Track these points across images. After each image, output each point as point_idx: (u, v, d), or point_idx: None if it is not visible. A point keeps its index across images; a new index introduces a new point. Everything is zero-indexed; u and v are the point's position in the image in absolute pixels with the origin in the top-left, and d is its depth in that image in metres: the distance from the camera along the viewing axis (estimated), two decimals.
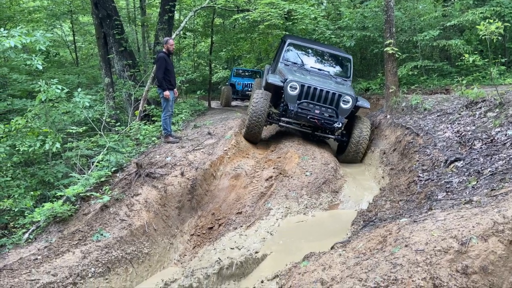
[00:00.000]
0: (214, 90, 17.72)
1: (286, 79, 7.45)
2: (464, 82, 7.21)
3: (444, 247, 2.49)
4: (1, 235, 5.94)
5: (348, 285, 2.47)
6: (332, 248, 3.34)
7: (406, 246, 2.64)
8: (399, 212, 4.17)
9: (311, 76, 7.85)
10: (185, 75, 12.24)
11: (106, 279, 4.45)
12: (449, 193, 4.03)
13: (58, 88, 7.11)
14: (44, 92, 7.04)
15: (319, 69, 8.46)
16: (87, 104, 7.84)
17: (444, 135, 5.54)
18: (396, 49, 7.55)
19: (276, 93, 7.85)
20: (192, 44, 17.00)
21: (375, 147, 7.24)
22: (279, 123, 7.86)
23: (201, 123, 9.54)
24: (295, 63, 8.54)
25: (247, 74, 16.50)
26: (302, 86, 7.30)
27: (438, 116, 6.30)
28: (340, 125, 7.28)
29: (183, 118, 10.02)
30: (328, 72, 8.39)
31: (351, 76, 8.60)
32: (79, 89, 7.96)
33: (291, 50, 8.80)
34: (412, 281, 2.34)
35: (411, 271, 2.40)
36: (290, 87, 7.34)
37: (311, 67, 8.48)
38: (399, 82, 8.21)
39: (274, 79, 7.66)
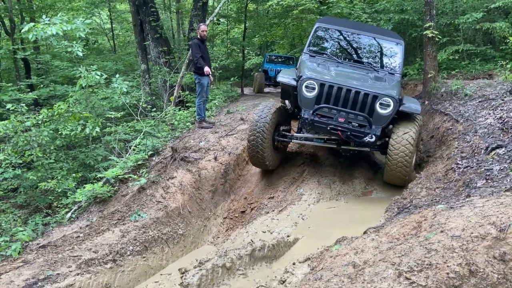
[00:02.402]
0: (246, 76, 17.75)
1: (301, 76, 5.53)
2: (509, 66, 6.86)
3: (482, 234, 2.42)
4: (46, 214, 6.29)
5: (380, 269, 2.46)
6: (364, 233, 3.32)
7: (441, 231, 2.59)
8: (435, 199, 4.08)
9: (340, 71, 5.87)
10: (218, 62, 12.33)
11: (144, 257, 4.64)
12: (489, 181, 3.89)
13: (98, 75, 7.35)
14: (84, 78, 7.30)
15: (355, 60, 6.31)
16: (125, 90, 8.07)
17: (485, 122, 5.32)
18: (436, 32, 7.26)
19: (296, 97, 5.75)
20: (225, 30, 17.04)
21: None
22: (292, 140, 5.98)
23: (234, 109, 9.62)
24: (323, 53, 6.41)
25: (280, 60, 16.38)
26: (322, 85, 5.34)
27: (479, 102, 6.05)
28: (373, 139, 5.23)
29: (217, 104, 10.13)
30: (369, 63, 6.22)
31: (402, 67, 6.26)
32: (117, 76, 8.20)
33: (320, 36, 6.77)
34: (447, 266, 2.30)
35: (446, 257, 2.36)
36: (306, 87, 5.40)
37: (344, 57, 6.39)
38: (438, 67, 7.91)
39: (286, 77, 5.83)
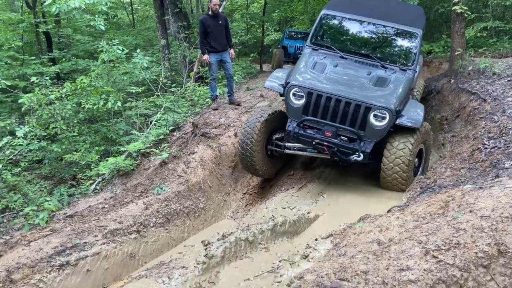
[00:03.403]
0: (265, 53, 17.54)
1: (288, 82, 5.00)
2: None
3: None
4: (70, 185, 6.46)
5: (407, 246, 2.46)
6: (389, 211, 3.31)
7: (470, 211, 2.56)
8: (460, 179, 4.02)
9: (338, 71, 5.13)
10: (238, 37, 12.20)
11: (166, 229, 4.74)
12: None
13: (119, 49, 7.37)
14: (106, 53, 7.33)
15: (363, 54, 5.50)
16: (145, 65, 8.10)
17: None
18: (465, 8, 6.99)
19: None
20: (245, 5, 16.77)
21: (435, 113, 6.90)
22: (285, 151, 5.33)
23: (254, 86, 9.56)
24: (327, 46, 5.62)
25: (299, 36, 16.08)
26: (310, 93, 4.78)
27: (508, 81, 5.86)
28: (361, 157, 4.66)
29: (236, 80, 10.08)
30: (378, 57, 5.40)
31: (418, 59, 5.42)
32: (138, 50, 8.21)
33: (326, 26, 5.98)
34: (476, 245, 2.28)
35: (475, 236, 2.34)
36: (293, 94, 4.87)
37: (351, 50, 5.59)
38: (466, 44, 7.65)
39: (273, 82, 5.28)
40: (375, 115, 4.62)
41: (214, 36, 6.98)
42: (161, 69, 9.71)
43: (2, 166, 5.90)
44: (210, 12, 7.03)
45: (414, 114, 4.79)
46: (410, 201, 3.92)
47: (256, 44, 16.57)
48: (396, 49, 5.73)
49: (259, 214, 5.11)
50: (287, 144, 5.33)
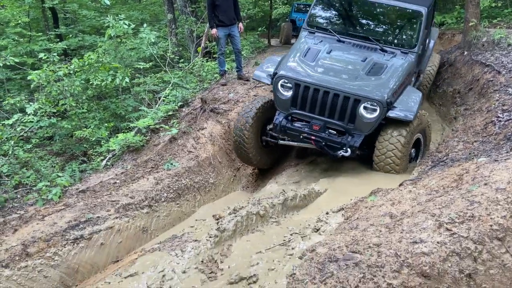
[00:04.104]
0: (273, 27, 17.22)
1: (276, 72, 4.81)
2: None
3: None
4: (81, 161, 6.52)
5: (420, 219, 2.45)
6: (400, 185, 3.29)
7: (485, 184, 2.52)
8: (473, 152, 3.96)
9: (331, 58, 4.81)
10: (245, 11, 11.96)
11: (177, 204, 4.80)
12: None
13: (126, 24, 7.28)
14: (113, 28, 7.25)
15: (361, 37, 5.14)
16: (152, 40, 8.01)
17: None
18: None
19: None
20: None
21: (447, 87, 6.77)
22: (279, 142, 4.99)
23: (262, 61, 9.42)
24: (324, 29, 5.32)
25: (308, 9, 15.74)
26: (297, 85, 4.58)
27: None
28: (348, 153, 4.44)
29: (244, 55, 9.94)
30: (377, 39, 5.05)
31: (420, 41, 5.04)
32: (145, 25, 8.10)
33: (323, 6, 5.64)
34: (491, 218, 2.26)
35: (490, 209, 2.32)
36: (282, 86, 4.68)
37: (348, 34, 5.22)
38: (480, 15, 7.42)
39: (261, 72, 5.09)
40: (365, 107, 4.37)
41: (222, 9, 6.84)
42: (168, 45, 9.60)
43: (14, 142, 5.95)
44: None
45: (407, 105, 4.49)
46: (422, 174, 3.88)
47: (264, 18, 16.25)
48: (397, 30, 5.38)
49: (269, 188, 5.13)
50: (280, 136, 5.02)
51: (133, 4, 16.39)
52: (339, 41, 5.14)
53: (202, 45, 9.67)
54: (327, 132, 4.58)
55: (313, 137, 4.56)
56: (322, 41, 5.16)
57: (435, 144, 5.36)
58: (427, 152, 5.04)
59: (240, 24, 7.20)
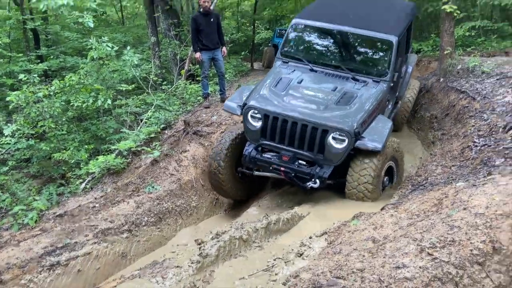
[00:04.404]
0: (256, 51, 17.52)
1: (246, 103, 4.76)
2: None
3: (506, 212, 2.41)
4: (59, 184, 6.36)
5: (402, 244, 2.47)
6: (382, 209, 3.33)
7: (464, 209, 2.58)
8: (451, 177, 4.05)
9: (302, 88, 4.82)
10: (229, 35, 12.15)
11: (158, 228, 4.71)
12: (508, 159, 3.85)
13: (109, 46, 7.28)
14: (95, 50, 7.23)
15: (333, 66, 5.16)
16: (136, 63, 8.02)
17: (503, 100, 5.23)
18: (454, 7, 7.06)
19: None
20: (236, 3, 16.71)
21: (425, 112, 6.96)
22: (254, 173, 4.91)
23: (245, 84, 9.52)
24: (297, 58, 5.32)
25: None
26: (266, 116, 4.53)
27: (497, 79, 5.93)
28: (317, 184, 4.40)
29: (227, 78, 10.04)
30: (349, 68, 5.07)
31: (391, 70, 5.01)
32: (128, 48, 8.11)
33: (296, 36, 5.64)
34: (471, 243, 2.30)
35: (470, 234, 2.36)
36: (252, 117, 4.64)
37: (321, 63, 5.25)
38: (455, 43, 7.74)
39: (232, 103, 5.02)
40: (333, 138, 4.35)
41: (206, 34, 6.87)
42: (151, 67, 9.62)
43: None
44: (201, 10, 6.92)
45: (376, 135, 4.47)
46: (402, 198, 3.94)
47: (247, 42, 16.54)
48: (369, 59, 5.38)
49: (250, 212, 5.10)
50: (255, 170, 4.93)
51: (117, 27, 16.44)
52: (311, 70, 5.15)
53: (186, 67, 9.73)
54: (296, 163, 4.53)
55: (282, 168, 4.52)
56: (294, 70, 5.18)
57: (414, 168, 5.46)
58: (401, 178, 5.06)
59: (224, 48, 7.26)
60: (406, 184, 4.78)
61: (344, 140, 4.33)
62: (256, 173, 4.90)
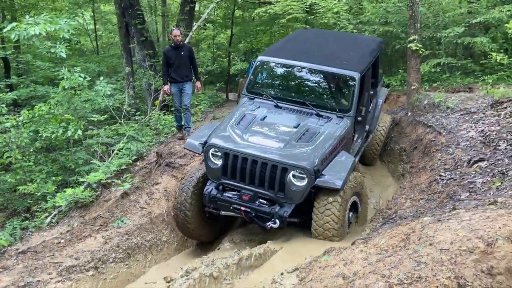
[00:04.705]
0: (231, 82, 17.75)
1: (206, 141, 4.75)
2: (490, 81, 7.06)
3: (470, 247, 2.47)
4: (24, 218, 6.12)
5: (371, 281, 2.48)
6: (353, 244, 3.34)
7: (430, 244, 2.62)
8: (420, 210, 4.15)
9: (264, 125, 4.89)
10: (204, 67, 12.30)
11: (126, 264, 4.56)
12: (472, 193, 3.98)
13: (81, 76, 7.24)
14: (67, 80, 7.17)
15: (298, 102, 5.23)
16: (108, 93, 7.96)
17: (467, 135, 5.45)
18: (420, 45, 7.42)
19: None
20: (212, 36, 17.01)
21: (394, 145, 7.16)
22: (221, 212, 4.79)
23: (220, 115, 9.58)
24: (262, 94, 5.40)
25: None
26: (226, 154, 4.53)
27: (461, 115, 6.20)
28: (277, 224, 4.32)
29: (202, 109, 10.08)
30: (313, 104, 5.14)
31: (354, 105, 5.11)
32: (101, 78, 8.08)
33: (262, 74, 5.76)
34: (437, 279, 2.33)
35: (436, 270, 2.39)
36: (212, 155, 4.62)
37: (286, 99, 5.32)
38: (421, 79, 8.08)
39: (193, 141, 4.96)
40: (293, 176, 4.31)
41: (176, 67, 6.82)
42: (125, 97, 9.57)
43: None
44: (172, 44, 6.90)
45: (337, 172, 4.44)
46: (373, 232, 3.98)
47: (222, 74, 16.75)
48: (333, 95, 5.45)
49: (223, 246, 5.02)
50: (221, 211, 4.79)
51: (91, 56, 16.39)
52: (276, 106, 5.19)
53: (160, 98, 9.72)
54: (257, 202, 4.47)
55: (243, 208, 4.45)
56: (259, 107, 5.22)
57: (385, 201, 5.55)
58: (364, 213, 5.03)
59: (198, 83, 7.20)
60: (377, 217, 4.85)
61: (304, 178, 4.30)
62: (223, 212, 4.78)
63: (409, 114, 7.38)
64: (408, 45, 7.52)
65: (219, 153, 4.59)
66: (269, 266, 3.83)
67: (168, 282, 3.44)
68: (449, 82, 9.56)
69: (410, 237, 2.89)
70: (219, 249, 4.81)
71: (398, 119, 7.56)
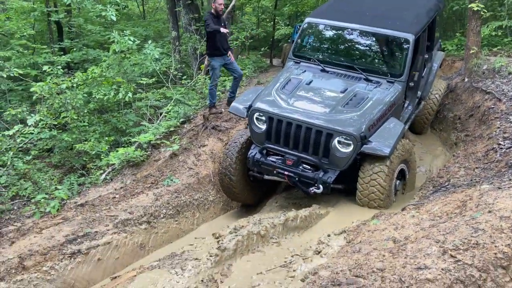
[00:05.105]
0: (275, 47, 17.46)
1: (251, 105, 4.71)
2: None
3: None
4: (80, 174, 6.48)
5: (424, 245, 2.43)
6: (403, 209, 3.28)
7: (489, 212, 2.52)
8: (475, 179, 3.97)
9: (311, 90, 4.75)
10: (249, 31, 12.13)
11: (176, 220, 4.76)
12: None
13: (130, 40, 7.36)
14: (117, 43, 7.32)
15: (346, 66, 5.02)
16: (156, 57, 8.08)
17: None
18: (482, 6, 6.88)
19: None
20: None
21: (448, 112, 6.82)
22: (264, 177, 4.81)
23: (264, 80, 9.51)
24: (309, 58, 5.23)
25: None
26: (270, 118, 4.46)
27: None
28: (320, 189, 4.26)
29: (247, 74, 10.03)
30: (362, 68, 4.92)
31: (406, 70, 4.81)
32: (149, 42, 8.19)
33: (309, 36, 5.52)
34: (495, 246, 2.25)
35: (494, 237, 2.31)
36: (257, 119, 4.58)
37: (333, 63, 5.12)
38: (481, 43, 7.54)
39: (238, 104, 4.95)
40: (338, 142, 4.20)
41: (218, 37, 6.33)
42: (171, 61, 9.68)
43: (13, 153, 5.93)
44: (213, 12, 6.39)
45: (385, 139, 4.28)
46: (424, 199, 3.88)
47: (266, 38, 16.49)
48: (384, 58, 5.17)
49: (268, 208, 5.11)
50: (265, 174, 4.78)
51: (138, 21, 16.59)
52: (323, 71, 5.02)
53: (205, 62, 9.76)
54: (301, 167, 4.40)
55: (286, 172, 4.42)
56: (305, 71, 5.05)
57: (436, 169, 5.37)
58: (413, 181, 4.87)
59: (230, 53, 6.68)
60: (427, 185, 4.71)
61: (349, 144, 4.18)
62: (266, 177, 4.79)
63: (466, 80, 6.97)
64: (469, 5, 7.00)
65: (263, 117, 4.55)
66: (315, 228, 3.87)
67: (217, 238, 3.56)
68: (511, 47, 8.87)
69: (467, 204, 2.79)
70: (264, 209, 4.89)
71: (453, 85, 7.17)
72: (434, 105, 6.44)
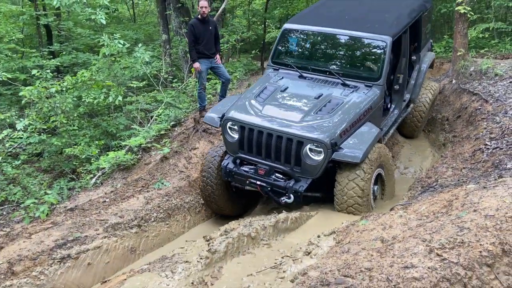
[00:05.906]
0: (266, 50, 17.52)
1: (224, 114, 4.65)
2: None
3: None
4: (70, 179, 6.45)
5: (411, 244, 2.47)
6: (391, 209, 3.32)
7: (474, 211, 2.57)
8: (462, 179, 4.03)
9: (286, 97, 4.70)
10: (240, 34, 12.17)
11: (167, 224, 4.75)
12: None
13: (120, 43, 7.35)
14: (107, 47, 7.30)
15: (324, 72, 4.96)
16: (147, 60, 8.07)
17: None
18: (468, 8, 6.99)
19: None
20: (247, 1, 16.71)
21: (436, 113, 6.90)
22: (245, 187, 4.67)
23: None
24: (286, 65, 5.20)
25: None
26: (242, 128, 4.43)
27: (510, 82, 5.88)
28: (291, 199, 4.21)
29: (238, 77, 10.06)
30: (339, 73, 4.86)
31: (384, 73, 4.74)
32: (140, 45, 8.18)
33: (287, 42, 5.46)
34: (480, 245, 2.29)
35: (479, 235, 2.35)
36: (230, 128, 4.55)
37: (311, 68, 5.06)
38: (468, 45, 7.65)
39: (212, 114, 4.86)
40: (309, 149, 4.14)
41: (205, 41, 6.25)
42: (162, 64, 9.68)
43: (2, 158, 5.89)
44: (199, 16, 6.28)
45: (356, 145, 4.20)
46: (412, 200, 3.93)
47: (257, 41, 16.53)
48: (361, 62, 5.04)
49: (259, 211, 5.13)
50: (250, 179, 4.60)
51: (128, 24, 16.55)
52: (300, 77, 4.97)
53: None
54: (273, 176, 4.35)
55: (258, 182, 4.36)
56: (283, 77, 5.01)
57: (424, 170, 5.43)
58: (391, 186, 4.82)
59: (218, 56, 6.62)
60: (415, 185, 4.76)
61: (320, 152, 4.11)
62: (247, 187, 4.64)
63: (454, 81, 7.07)
64: (456, 8, 7.11)
65: (235, 127, 4.49)
66: (305, 230, 3.89)
67: (208, 240, 3.56)
68: (497, 49, 9.01)
69: (453, 203, 2.83)
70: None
71: (441, 87, 7.26)
72: (425, 108, 6.23)
